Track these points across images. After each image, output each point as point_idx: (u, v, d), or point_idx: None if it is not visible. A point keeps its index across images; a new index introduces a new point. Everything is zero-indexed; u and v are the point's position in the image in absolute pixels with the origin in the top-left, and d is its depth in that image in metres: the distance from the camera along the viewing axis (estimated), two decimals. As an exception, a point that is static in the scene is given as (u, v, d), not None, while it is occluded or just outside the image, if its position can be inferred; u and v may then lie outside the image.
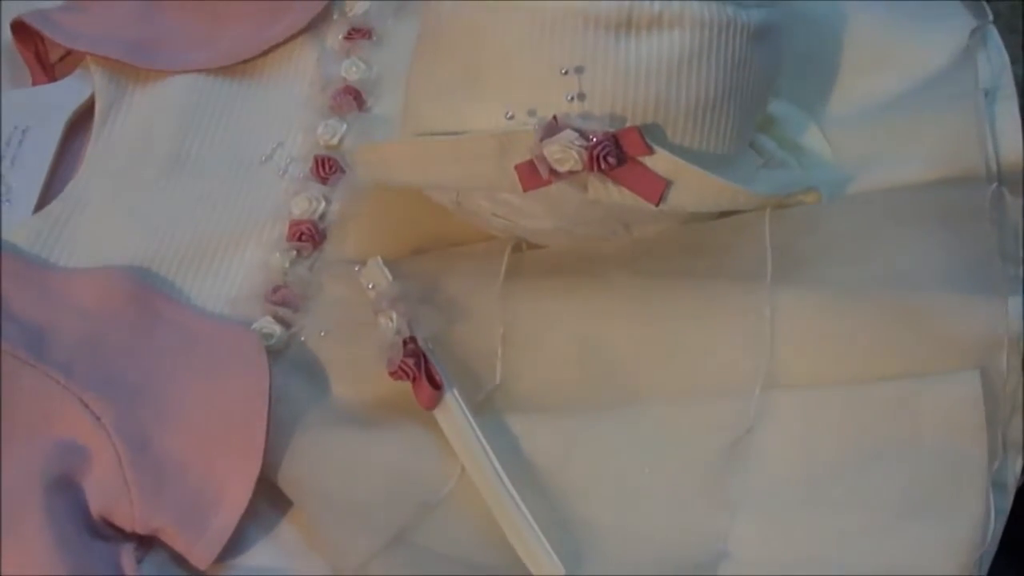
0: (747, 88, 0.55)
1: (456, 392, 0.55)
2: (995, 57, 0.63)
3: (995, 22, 0.68)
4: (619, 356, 0.57)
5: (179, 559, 0.54)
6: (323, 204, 0.64)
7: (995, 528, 0.51)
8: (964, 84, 0.61)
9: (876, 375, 0.54)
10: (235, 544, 0.54)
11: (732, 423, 0.54)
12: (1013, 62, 0.67)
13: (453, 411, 0.55)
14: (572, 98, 0.52)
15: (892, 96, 0.63)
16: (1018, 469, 0.53)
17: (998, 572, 0.53)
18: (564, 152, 0.50)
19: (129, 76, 0.68)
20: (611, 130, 0.51)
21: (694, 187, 0.52)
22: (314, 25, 0.69)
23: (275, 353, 0.59)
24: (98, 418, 0.56)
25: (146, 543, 0.55)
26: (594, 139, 0.50)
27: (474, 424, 0.55)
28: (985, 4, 0.64)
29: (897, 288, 0.56)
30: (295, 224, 0.63)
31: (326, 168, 0.65)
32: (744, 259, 0.57)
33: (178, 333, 0.60)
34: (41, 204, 0.65)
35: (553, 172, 0.51)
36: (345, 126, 0.66)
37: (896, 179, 0.60)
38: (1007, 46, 0.67)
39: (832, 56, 0.64)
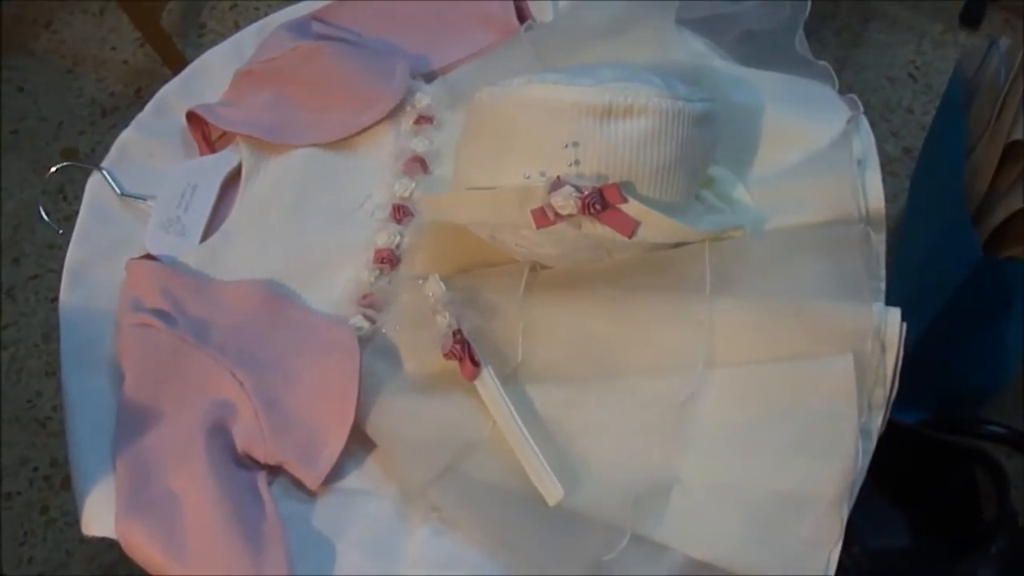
0: (693, 157, 0.58)
1: (490, 368, 0.60)
2: (864, 137, 0.66)
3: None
4: (603, 344, 0.61)
5: (297, 483, 0.60)
6: (399, 238, 0.68)
7: (863, 463, 0.56)
8: (843, 156, 0.65)
9: (780, 357, 0.58)
10: (335, 472, 0.60)
11: (682, 391, 0.58)
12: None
13: (487, 382, 0.60)
14: (571, 164, 0.56)
15: (794, 164, 0.66)
16: (879, 423, 0.58)
17: (866, 496, 0.57)
18: (565, 201, 0.54)
19: (265, 149, 0.72)
20: (598, 186, 0.54)
21: (656, 226, 0.56)
22: (393, 114, 0.73)
23: (364, 341, 0.64)
24: (241, 384, 0.61)
25: (274, 471, 0.61)
26: (586, 192, 0.54)
27: (502, 391, 0.59)
28: (856, 98, 0.67)
29: (796, 296, 0.60)
30: (379, 251, 0.68)
31: (401, 213, 0.70)
32: (691, 277, 0.60)
33: (297, 326, 0.65)
34: (204, 237, 0.71)
35: (557, 215, 0.55)
36: (414, 184, 0.71)
37: (796, 220, 0.64)
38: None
39: (754, 136, 0.67)
